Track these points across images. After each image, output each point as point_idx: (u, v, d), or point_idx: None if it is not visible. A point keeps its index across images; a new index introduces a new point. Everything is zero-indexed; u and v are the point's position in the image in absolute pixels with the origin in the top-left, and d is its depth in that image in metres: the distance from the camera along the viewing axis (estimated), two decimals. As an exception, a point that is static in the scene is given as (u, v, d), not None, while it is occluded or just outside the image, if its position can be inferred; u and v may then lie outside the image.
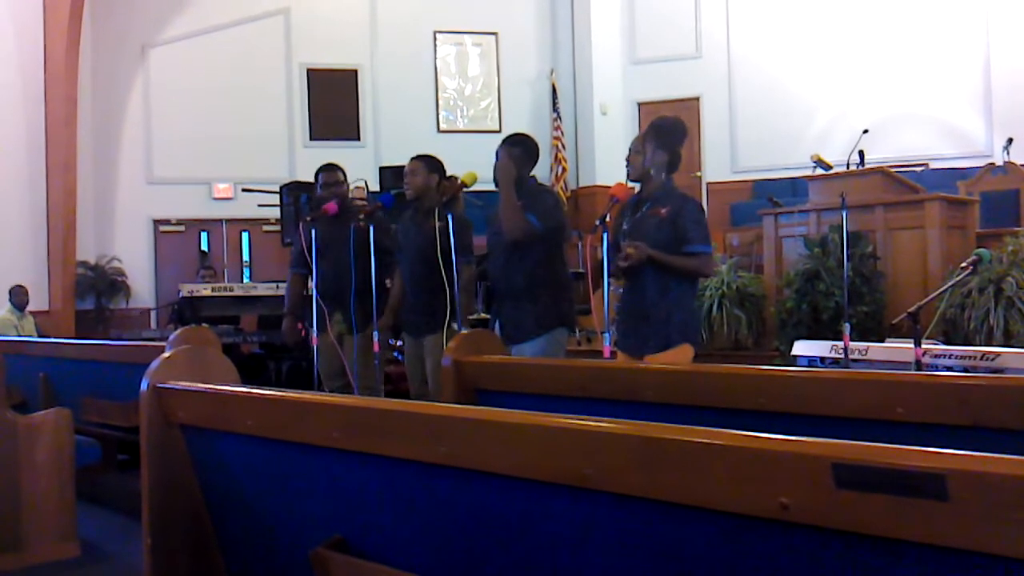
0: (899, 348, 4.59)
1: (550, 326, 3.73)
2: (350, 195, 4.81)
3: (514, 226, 3.67)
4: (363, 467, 1.69)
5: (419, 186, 4.29)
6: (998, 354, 4.33)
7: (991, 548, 0.97)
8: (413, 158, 4.39)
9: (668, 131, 3.55)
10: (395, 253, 4.47)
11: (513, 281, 3.79)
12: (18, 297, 8.77)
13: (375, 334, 4.20)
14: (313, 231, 4.52)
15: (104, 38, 10.86)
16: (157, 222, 11.08)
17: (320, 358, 4.54)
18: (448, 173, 4.44)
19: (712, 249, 3.57)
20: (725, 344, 7.13)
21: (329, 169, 4.76)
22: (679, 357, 3.36)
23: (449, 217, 3.89)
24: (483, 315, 6.43)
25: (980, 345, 5.23)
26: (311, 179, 5.02)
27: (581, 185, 11.89)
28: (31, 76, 9.97)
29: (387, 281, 4.62)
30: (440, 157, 4.43)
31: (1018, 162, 8.20)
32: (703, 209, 3.55)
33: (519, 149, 3.85)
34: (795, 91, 11.00)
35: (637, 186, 3.61)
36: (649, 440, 1.27)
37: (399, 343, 4.89)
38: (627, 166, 3.58)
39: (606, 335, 3.27)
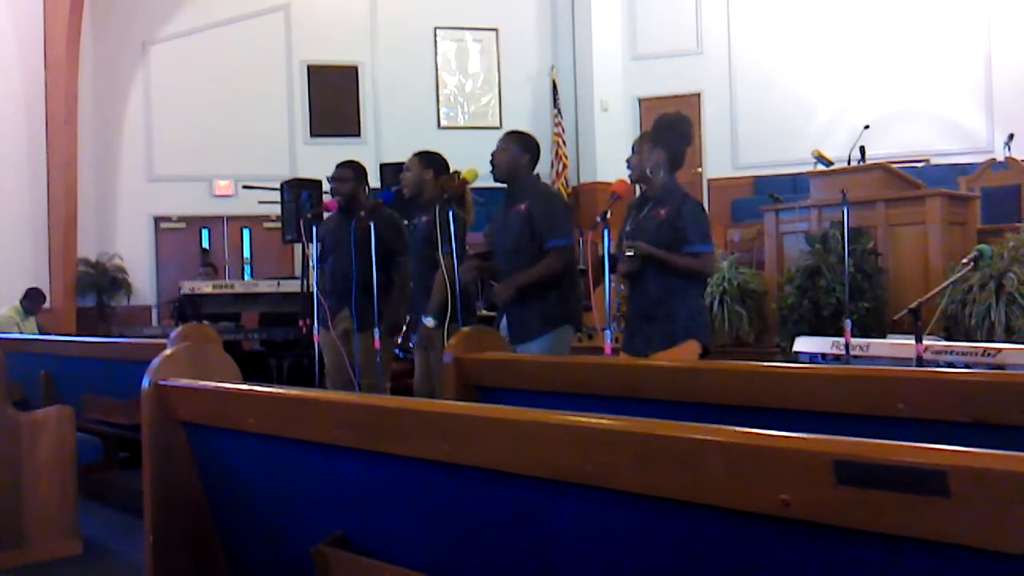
0: (900, 344, 4.60)
1: (557, 324, 3.72)
2: (365, 192, 4.70)
3: (556, 270, 3.68)
4: (364, 464, 1.69)
5: (410, 182, 4.28)
6: (999, 350, 4.34)
7: (993, 544, 0.97)
8: (412, 155, 4.38)
9: (667, 128, 3.52)
10: (404, 253, 4.44)
11: None
12: (32, 301, 8.44)
13: (376, 332, 4.19)
14: (314, 228, 4.52)
15: (104, 35, 10.85)
16: (158, 219, 11.09)
17: (323, 356, 4.54)
18: (451, 169, 4.41)
19: (713, 248, 3.54)
20: (726, 341, 7.12)
21: (339, 166, 4.75)
22: (685, 353, 3.34)
23: (449, 213, 3.87)
24: (486, 313, 6.41)
25: (981, 341, 5.21)
26: (312, 176, 5.00)
27: (582, 181, 11.88)
28: (31, 74, 9.96)
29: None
30: (441, 153, 4.40)
31: (1019, 158, 8.16)
32: (703, 208, 3.51)
33: (516, 142, 3.83)
34: (796, 87, 10.99)
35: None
36: (650, 437, 1.27)
37: (401, 339, 4.85)
38: (627, 168, 3.58)
39: (607, 332, 3.27)
